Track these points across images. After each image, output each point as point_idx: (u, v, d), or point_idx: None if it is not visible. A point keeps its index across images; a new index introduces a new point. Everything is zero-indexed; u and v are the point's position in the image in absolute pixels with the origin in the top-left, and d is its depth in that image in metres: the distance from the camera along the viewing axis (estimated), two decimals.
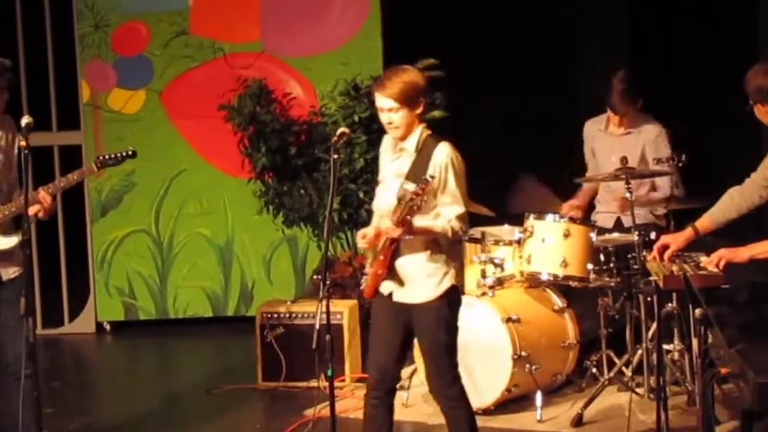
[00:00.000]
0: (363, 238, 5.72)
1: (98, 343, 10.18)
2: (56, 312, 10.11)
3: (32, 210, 6.04)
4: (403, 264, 5.70)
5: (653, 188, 7.88)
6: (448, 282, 5.72)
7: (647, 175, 7.63)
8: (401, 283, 5.70)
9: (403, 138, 5.70)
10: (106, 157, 6.30)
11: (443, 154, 5.67)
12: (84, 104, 10.16)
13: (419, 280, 5.70)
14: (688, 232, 6.00)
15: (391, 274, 5.69)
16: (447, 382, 5.81)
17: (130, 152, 6.33)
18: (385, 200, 5.70)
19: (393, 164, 5.76)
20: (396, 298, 5.75)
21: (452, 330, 5.81)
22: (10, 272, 6.22)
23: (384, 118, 5.67)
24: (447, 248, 5.70)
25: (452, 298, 5.78)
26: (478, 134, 9.18)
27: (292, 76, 9.86)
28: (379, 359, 5.78)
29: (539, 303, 7.66)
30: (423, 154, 5.67)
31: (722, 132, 8.69)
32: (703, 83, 8.84)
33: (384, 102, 5.64)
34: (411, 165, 5.68)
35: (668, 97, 8.45)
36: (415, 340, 6.03)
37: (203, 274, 10.20)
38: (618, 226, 7.79)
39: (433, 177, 5.47)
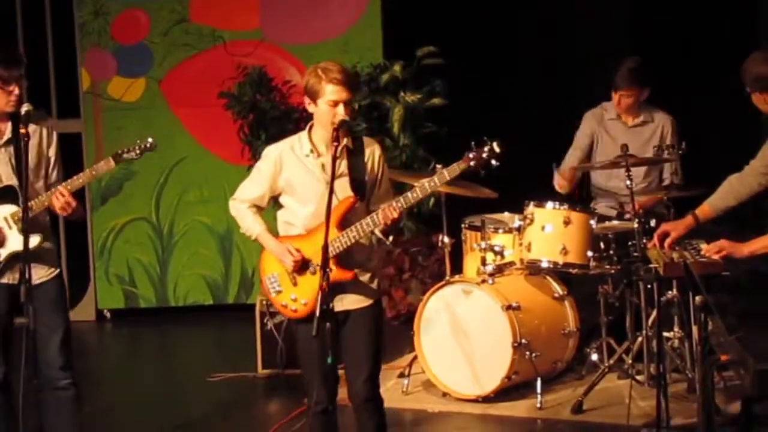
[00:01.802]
0: (293, 255, 5.48)
1: (98, 331, 10.19)
2: None
3: (56, 206, 5.81)
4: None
5: (660, 176, 7.88)
6: (380, 281, 5.64)
7: (647, 162, 7.63)
8: (342, 290, 5.49)
9: (343, 134, 5.45)
10: (125, 151, 5.93)
11: (378, 149, 5.57)
12: (84, 92, 10.17)
13: (362, 284, 5.53)
14: (688, 220, 6.00)
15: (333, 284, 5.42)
16: (378, 386, 5.62)
17: (148, 144, 5.94)
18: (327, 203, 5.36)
19: (328, 165, 5.40)
20: (339, 307, 5.46)
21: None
22: (35, 276, 5.76)
23: (339, 111, 5.36)
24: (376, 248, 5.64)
25: (381, 296, 5.72)
26: (477, 122, 9.17)
27: (292, 64, 9.86)
28: (326, 376, 5.41)
29: (539, 290, 7.66)
30: (356, 149, 5.51)
31: (722, 119, 8.69)
32: (703, 73, 8.83)
33: (343, 94, 5.39)
34: (350, 162, 5.48)
35: (668, 86, 8.43)
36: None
37: (203, 262, 10.21)
38: (622, 214, 7.77)
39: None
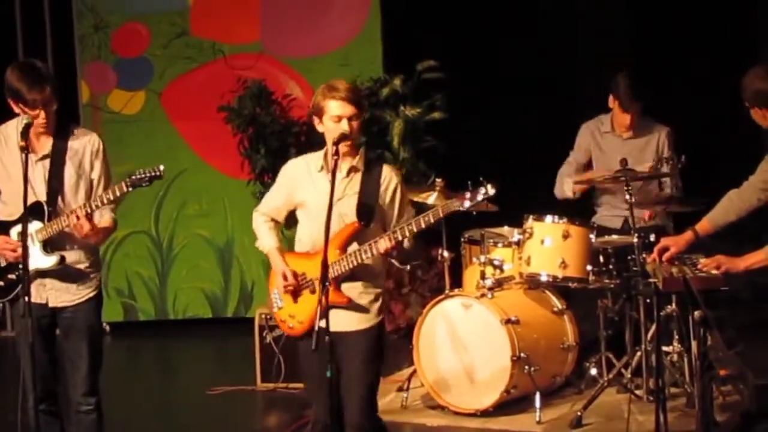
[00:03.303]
0: (287, 279, 5.49)
1: None
2: None
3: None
4: (348, 290, 5.50)
5: (660, 189, 7.88)
6: (383, 305, 5.59)
7: (647, 177, 7.62)
8: (338, 311, 5.43)
9: (352, 153, 5.49)
10: (136, 177, 5.58)
11: (396, 178, 5.54)
12: (84, 105, 10.18)
13: (363, 305, 5.50)
14: (688, 235, 6.00)
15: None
16: (369, 413, 5.52)
17: (157, 173, 5.59)
18: (333, 225, 5.34)
19: (338, 185, 5.39)
20: (333, 328, 5.30)
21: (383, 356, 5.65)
22: (60, 299, 5.75)
23: (343, 126, 5.39)
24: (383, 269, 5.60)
25: (384, 321, 5.66)
26: (477, 136, 9.19)
27: (292, 78, 9.88)
28: (331, 398, 5.35)
29: (538, 304, 7.66)
30: (370, 171, 5.50)
31: (721, 134, 8.69)
32: (702, 85, 8.84)
33: (346, 109, 5.41)
34: (362, 183, 5.48)
35: (668, 99, 8.44)
36: None
37: (203, 275, 10.21)
38: (625, 227, 7.76)
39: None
